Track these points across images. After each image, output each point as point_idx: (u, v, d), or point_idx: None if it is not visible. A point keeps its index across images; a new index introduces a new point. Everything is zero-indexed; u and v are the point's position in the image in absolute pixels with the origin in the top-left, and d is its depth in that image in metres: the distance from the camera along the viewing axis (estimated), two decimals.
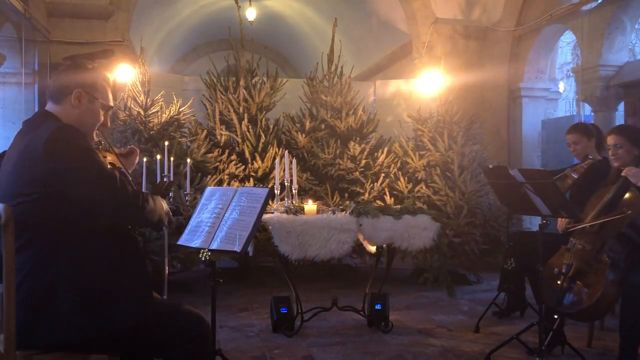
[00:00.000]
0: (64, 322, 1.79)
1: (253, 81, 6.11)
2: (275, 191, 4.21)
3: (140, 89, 5.68)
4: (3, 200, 1.83)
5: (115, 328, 1.84)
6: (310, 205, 4.02)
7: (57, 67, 6.45)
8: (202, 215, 2.73)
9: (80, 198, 1.83)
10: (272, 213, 3.91)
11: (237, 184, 5.63)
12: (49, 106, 2.00)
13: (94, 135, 2.11)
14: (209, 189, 2.89)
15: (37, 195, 1.81)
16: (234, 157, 5.78)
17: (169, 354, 1.94)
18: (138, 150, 2.50)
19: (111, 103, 2.10)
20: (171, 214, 2.22)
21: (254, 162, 5.77)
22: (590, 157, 3.89)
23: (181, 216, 4.97)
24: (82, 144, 1.85)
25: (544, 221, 3.21)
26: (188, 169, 4.23)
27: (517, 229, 5.81)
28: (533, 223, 6.28)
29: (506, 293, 4.33)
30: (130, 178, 2.19)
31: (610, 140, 3.45)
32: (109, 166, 2.05)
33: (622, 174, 3.18)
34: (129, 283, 1.90)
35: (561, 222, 3.61)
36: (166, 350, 1.94)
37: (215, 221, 2.62)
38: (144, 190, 2.25)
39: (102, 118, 2.07)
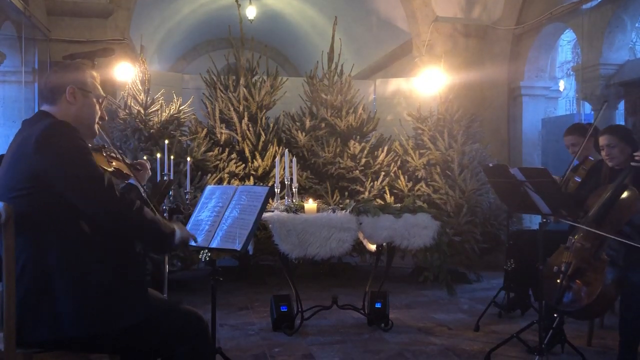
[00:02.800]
0: (61, 319, 1.79)
1: (253, 80, 6.10)
2: (276, 190, 4.20)
3: (140, 87, 5.68)
4: (1, 196, 1.85)
5: (110, 328, 1.83)
6: (310, 204, 4.02)
7: (56, 66, 6.44)
8: (202, 213, 2.73)
9: (66, 196, 1.83)
10: (272, 211, 3.91)
11: (237, 182, 5.63)
12: (45, 107, 2.03)
13: (96, 129, 2.12)
14: (209, 188, 2.89)
15: (29, 190, 1.82)
16: (234, 155, 5.78)
17: (168, 354, 1.94)
18: (149, 165, 2.52)
19: (103, 94, 2.13)
20: (192, 241, 2.14)
21: (254, 160, 5.77)
22: (590, 157, 3.89)
23: (181, 214, 4.99)
24: (73, 141, 1.86)
25: (544, 220, 3.21)
26: (188, 167, 4.23)
27: (517, 228, 5.82)
28: (533, 222, 6.29)
29: (510, 291, 4.33)
30: (142, 190, 2.20)
31: (603, 140, 3.46)
32: (106, 168, 2.06)
33: (632, 163, 3.17)
34: (125, 282, 1.89)
35: None
36: (165, 350, 1.93)
37: (215, 220, 2.62)
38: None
39: (99, 111, 2.10)
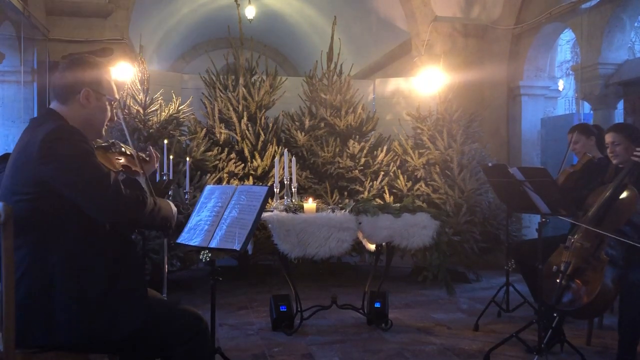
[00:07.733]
0: (58, 325, 1.78)
1: (252, 79, 6.10)
2: (275, 189, 4.21)
3: (139, 87, 5.67)
4: (4, 198, 1.84)
5: (107, 336, 1.83)
6: (309, 204, 4.02)
7: (56, 65, 6.44)
8: (202, 213, 2.73)
9: (73, 199, 1.81)
10: (272, 211, 3.91)
11: (236, 182, 5.62)
12: (55, 105, 1.98)
13: (103, 132, 2.09)
14: (208, 188, 2.89)
15: (33, 195, 1.80)
16: (233, 155, 5.78)
17: (167, 354, 1.93)
18: (158, 156, 2.49)
19: (117, 96, 2.09)
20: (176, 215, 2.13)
21: (253, 160, 5.77)
22: (588, 154, 3.90)
23: (181, 214, 4.98)
24: (76, 146, 1.82)
25: (543, 219, 3.21)
26: (187, 167, 4.23)
27: (516, 235, 5.81)
28: (532, 221, 6.28)
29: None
30: (144, 181, 2.16)
31: (609, 138, 3.47)
32: (112, 168, 2.03)
33: (632, 157, 3.17)
34: (124, 289, 1.88)
35: None
36: (165, 351, 1.93)
37: (214, 219, 2.62)
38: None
39: (109, 113, 2.06)
